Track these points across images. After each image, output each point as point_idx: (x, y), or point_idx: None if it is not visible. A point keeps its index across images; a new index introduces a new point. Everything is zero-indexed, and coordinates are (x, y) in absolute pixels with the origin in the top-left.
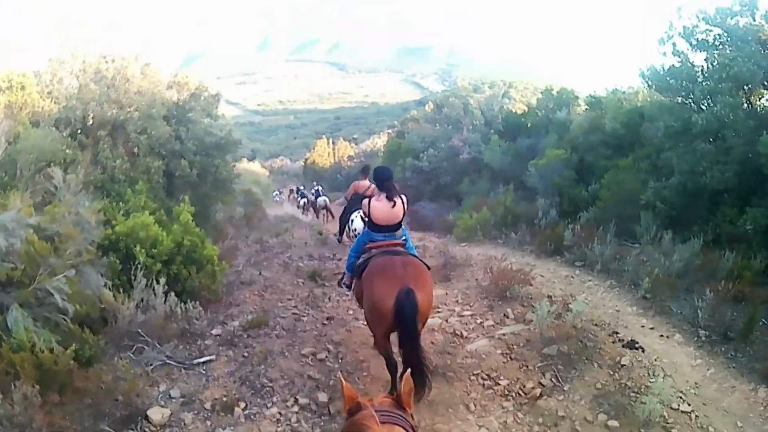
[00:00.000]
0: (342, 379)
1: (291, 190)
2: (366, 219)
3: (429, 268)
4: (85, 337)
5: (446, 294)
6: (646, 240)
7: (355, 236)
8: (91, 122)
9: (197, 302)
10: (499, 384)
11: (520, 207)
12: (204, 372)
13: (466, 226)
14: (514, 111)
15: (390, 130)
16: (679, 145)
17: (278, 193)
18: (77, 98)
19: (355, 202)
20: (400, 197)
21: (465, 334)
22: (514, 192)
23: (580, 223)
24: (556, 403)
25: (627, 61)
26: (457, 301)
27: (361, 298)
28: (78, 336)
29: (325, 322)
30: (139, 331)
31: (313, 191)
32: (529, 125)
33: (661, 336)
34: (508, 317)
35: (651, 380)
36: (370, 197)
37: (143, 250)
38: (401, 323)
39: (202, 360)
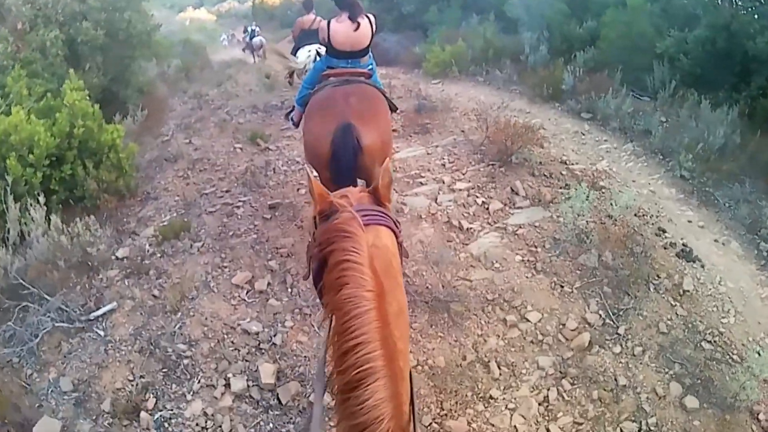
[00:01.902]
0: (309, 171)
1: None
2: (325, 45)
3: (395, 108)
4: None
5: (428, 154)
6: (663, 97)
7: (304, 72)
8: None
9: (93, 215)
10: (527, 320)
11: (502, 40)
12: (103, 333)
13: (438, 60)
14: None
15: None
16: None
17: (225, 37)
18: None
19: (302, 39)
20: (367, 17)
21: (465, 225)
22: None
23: (578, 65)
24: (612, 361)
25: None
26: (443, 165)
27: None
28: None
29: (267, 215)
30: (23, 281)
31: (250, 30)
32: None
33: (716, 241)
34: (517, 194)
35: (722, 319)
36: (329, 20)
37: (14, 161)
38: (335, 166)
39: (100, 312)
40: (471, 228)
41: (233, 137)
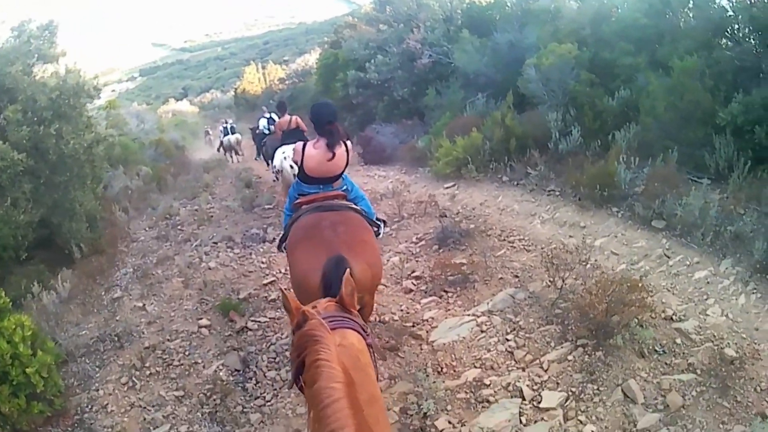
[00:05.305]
0: (283, 290)
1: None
2: (296, 166)
3: (383, 222)
4: None
5: (481, 331)
6: (736, 183)
7: (276, 174)
8: None
9: None
10: None
11: (523, 124)
12: None
13: (450, 159)
14: (477, 1)
15: (323, 47)
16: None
17: (208, 132)
18: None
19: (283, 138)
20: (344, 143)
21: None
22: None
23: (619, 147)
24: None
25: None
26: (510, 354)
27: None
28: None
29: None
30: None
31: (221, 128)
32: (497, 18)
33: None
34: (634, 402)
35: None
36: (305, 142)
37: None
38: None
39: None
40: None
41: (200, 302)
